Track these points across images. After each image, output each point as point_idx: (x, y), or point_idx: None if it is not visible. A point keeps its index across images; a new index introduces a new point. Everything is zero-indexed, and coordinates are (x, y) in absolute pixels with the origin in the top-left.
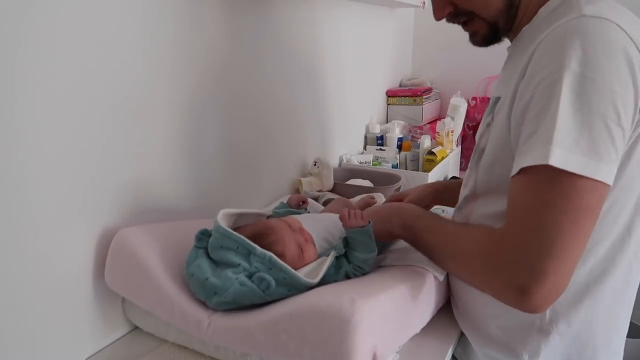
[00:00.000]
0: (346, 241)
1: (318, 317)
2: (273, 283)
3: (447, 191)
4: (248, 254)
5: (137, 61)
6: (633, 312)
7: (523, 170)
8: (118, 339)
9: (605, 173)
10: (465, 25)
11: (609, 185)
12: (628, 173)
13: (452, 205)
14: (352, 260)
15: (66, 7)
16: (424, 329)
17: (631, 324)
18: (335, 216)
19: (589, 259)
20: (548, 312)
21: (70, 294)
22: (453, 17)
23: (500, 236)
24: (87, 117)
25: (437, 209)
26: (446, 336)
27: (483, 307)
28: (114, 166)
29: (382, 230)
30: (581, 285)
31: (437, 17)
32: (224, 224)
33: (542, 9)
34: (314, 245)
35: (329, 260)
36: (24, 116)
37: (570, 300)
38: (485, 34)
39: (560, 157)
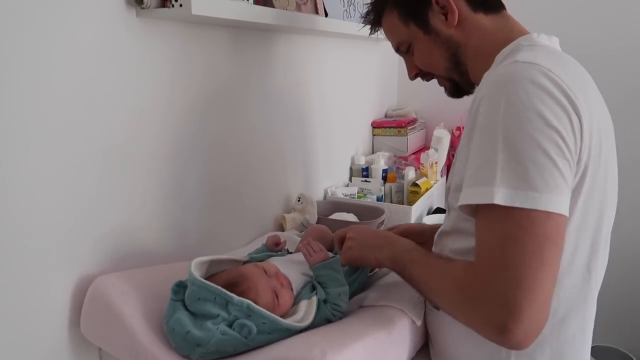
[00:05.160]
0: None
1: None
2: (254, 328)
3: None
4: (226, 303)
5: (118, 109)
6: (617, 338)
7: (480, 209)
8: None
9: (556, 203)
10: (437, 81)
11: (564, 215)
12: (579, 210)
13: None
14: (327, 299)
15: (50, 54)
16: None
17: (614, 350)
18: None
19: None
20: (513, 352)
21: (45, 342)
22: (422, 77)
23: (473, 272)
24: (66, 165)
25: None
26: None
27: (457, 345)
28: (93, 213)
29: (371, 258)
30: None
31: (410, 78)
32: (197, 274)
33: (498, 56)
34: (292, 289)
35: (314, 304)
36: (3, 163)
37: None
38: (451, 88)
39: (505, 195)
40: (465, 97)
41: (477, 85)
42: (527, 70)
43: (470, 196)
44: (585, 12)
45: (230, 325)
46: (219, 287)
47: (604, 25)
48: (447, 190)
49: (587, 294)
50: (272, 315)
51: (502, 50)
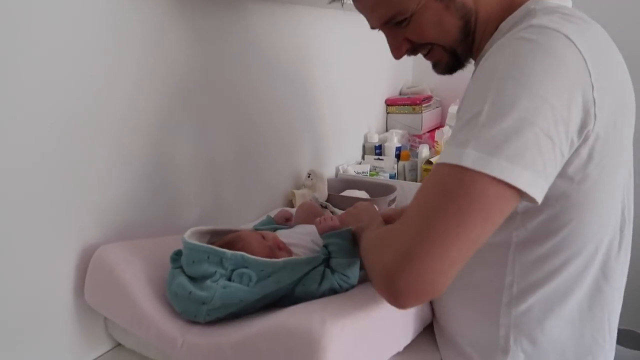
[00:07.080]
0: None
1: (287, 337)
2: (254, 274)
3: None
4: (220, 260)
5: (118, 78)
6: (633, 319)
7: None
8: (100, 356)
9: (524, 179)
10: (426, 56)
11: (524, 193)
12: (584, 191)
13: None
14: (335, 269)
15: (34, 27)
16: (405, 351)
17: (632, 332)
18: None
19: (557, 277)
20: (512, 331)
21: (51, 311)
22: (412, 52)
23: (397, 224)
24: (70, 136)
25: None
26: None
27: (457, 325)
28: (97, 183)
29: (356, 228)
30: (545, 303)
31: (397, 57)
32: (192, 240)
33: (502, 24)
34: (291, 254)
35: (319, 255)
36: (5, 134)
37: (533, 318)
38: (448, 62)
39: (474, 158)
40: None
41: (475, 56)
42: (542, 35)
43: (442, 155)
44: None
45: (229, 279)
46: (210, 246)
47: None
48: None
49: (595, 273)
50: (268, 259)
51: (508, 19)
